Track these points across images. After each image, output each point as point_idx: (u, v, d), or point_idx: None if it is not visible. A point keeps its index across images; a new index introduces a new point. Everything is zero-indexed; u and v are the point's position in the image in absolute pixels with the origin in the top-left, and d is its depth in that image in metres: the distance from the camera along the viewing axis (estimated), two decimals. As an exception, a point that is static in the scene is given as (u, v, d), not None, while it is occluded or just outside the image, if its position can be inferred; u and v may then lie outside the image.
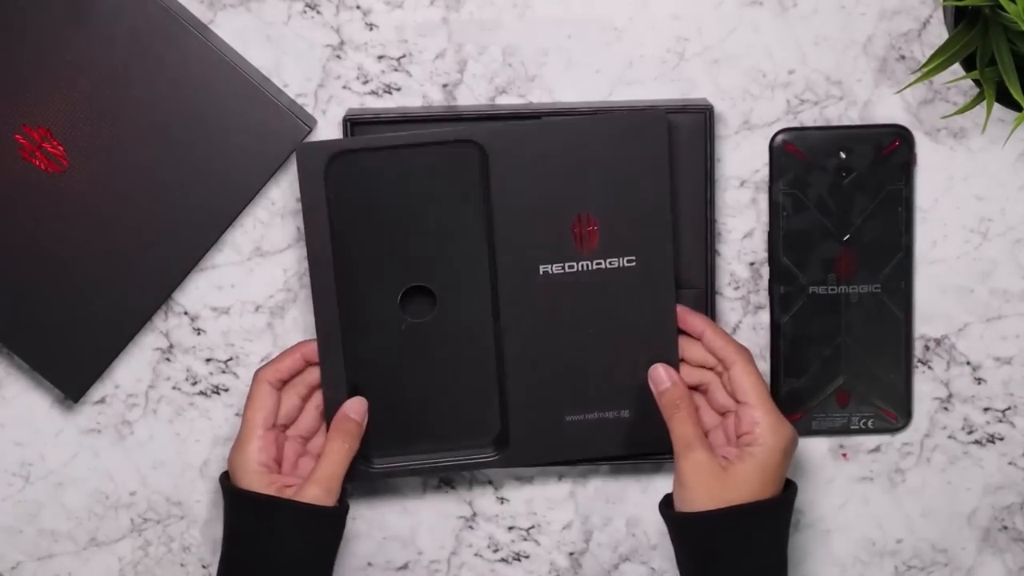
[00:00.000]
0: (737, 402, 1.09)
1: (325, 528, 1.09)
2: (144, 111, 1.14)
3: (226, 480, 1.11)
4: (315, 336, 1.11)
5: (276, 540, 1.08)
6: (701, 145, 1.14)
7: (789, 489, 1.10)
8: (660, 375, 1.11)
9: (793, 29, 1.16)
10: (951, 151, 1.17)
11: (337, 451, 1.10)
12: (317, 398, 1.13)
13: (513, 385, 1.13)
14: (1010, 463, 1.21)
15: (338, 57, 1.16)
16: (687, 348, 1.12)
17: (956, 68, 1.11)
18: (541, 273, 1.11)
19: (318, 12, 1.16)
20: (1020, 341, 1.19)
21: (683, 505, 1.08)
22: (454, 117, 1.14)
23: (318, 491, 1.08)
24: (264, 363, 1.14)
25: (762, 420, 1.08)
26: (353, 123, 1.13)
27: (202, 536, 1.22)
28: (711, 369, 1.12)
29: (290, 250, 1.18)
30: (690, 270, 1.15)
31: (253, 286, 1.19)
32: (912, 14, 1.16)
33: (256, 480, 1.09)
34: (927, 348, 1.19)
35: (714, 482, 1.06)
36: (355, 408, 1.11)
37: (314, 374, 1.12)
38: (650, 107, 1.11)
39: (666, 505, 1.10)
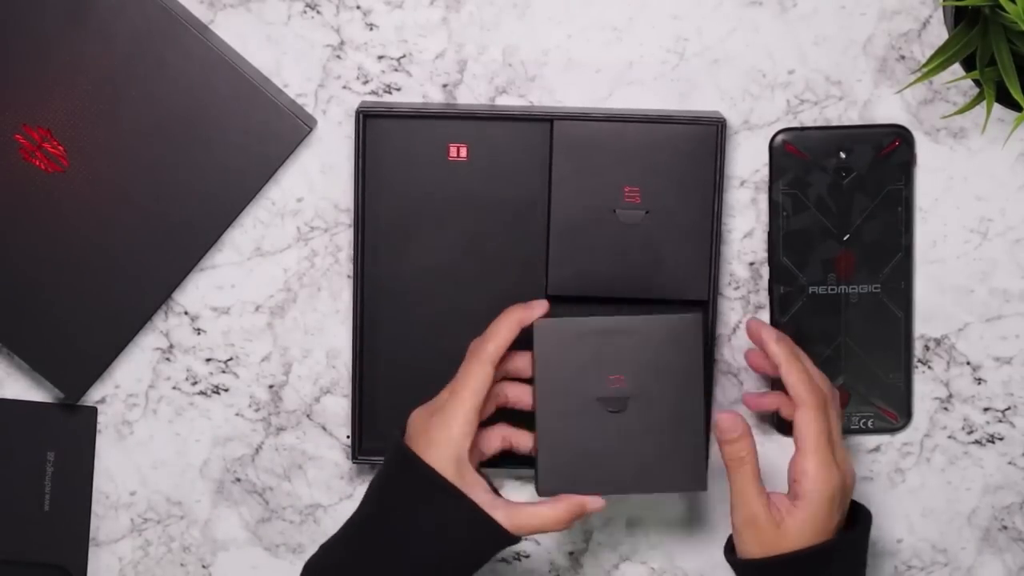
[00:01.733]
0: (795, 445, 1.09)
1: (488, 546, 1.07)
2: (144, 111, 1.14)
3: (408, 448, 1.07)
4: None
5: (440, 531, 1.05)
6: (709, 152, 1.14)
7: (853, 528, 1.10)
8: (728, 424, 1.08)
9: (793, 29, 1.16)
10: (951, 151, 1.17)
11: (554, 520, 1.08)
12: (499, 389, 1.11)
13: None
14: (1010, 463, 1.21)
15: (338, 57, 1.16)
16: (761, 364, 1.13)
17: (956, 68, 1.10)
18: None
19: (318, 12, 1.16)
20: (1020, 341, 1.19)
21: (740, 553, 1.09)
22: (466, 115, 1.14)
23: (511, 519, 1.06)
24: (482, 339, 1.09)
25: (809, 471, 1.07)
26: (366, 116, 1.14)
27: (202, 536, 1.22)
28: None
29: (290, 250, 1.18)
30: (693, 278, 1.15)
31: (253, 286, 1.19)
32: (912, 14, 1.16)
33: (450, 466, 1.05)
34: (927, 348, 1.19)
35: (767, 536, 1.07)
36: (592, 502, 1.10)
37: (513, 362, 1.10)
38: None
39: (730, 550, 1.11)
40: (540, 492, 1.10)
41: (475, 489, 1.06)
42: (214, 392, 1.20)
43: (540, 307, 1.10)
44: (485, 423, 1.10)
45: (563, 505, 1.08)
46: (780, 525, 1.07)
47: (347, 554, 1.08)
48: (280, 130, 1.14)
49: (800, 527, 1.07)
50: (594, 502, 1.08)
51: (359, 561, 1.07)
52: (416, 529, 1.05)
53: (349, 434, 1.19)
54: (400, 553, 1.06)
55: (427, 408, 1.09)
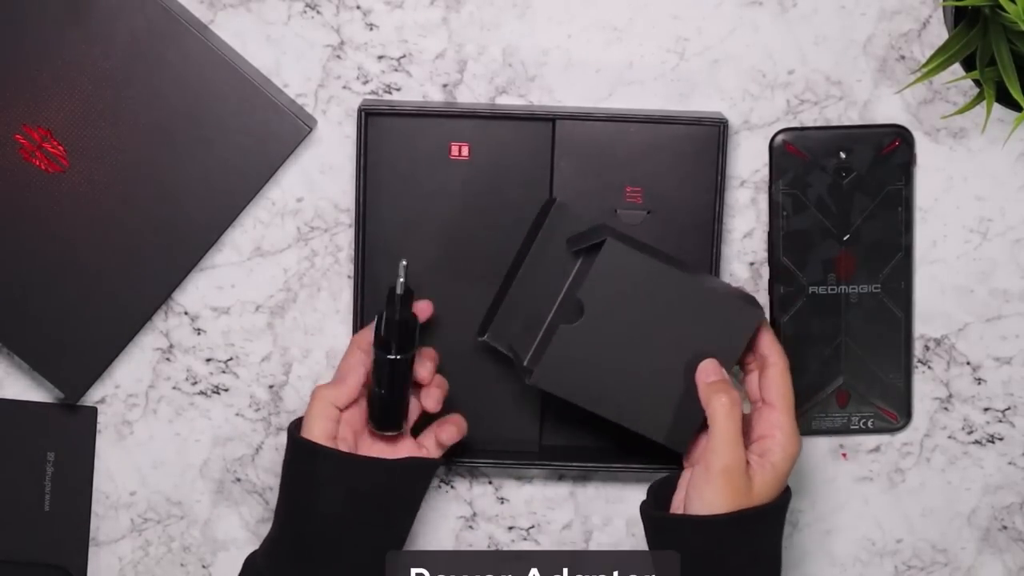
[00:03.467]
0: (763, 402, 1.08)
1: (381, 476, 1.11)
2: (144, 111, 1.14)
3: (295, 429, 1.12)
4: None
5: (316, 484, 1.09)
6: (711, 152, 1.14)
7: (787, 492, 1.10)
8: (713, 366, 1.08)
9: (793, 29, 1.16)
10: (951, 151, 1.17)
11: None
12: None
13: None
14: (1010, 463, 1.21)
15: (338, 57, 1.16)
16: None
17: (956, 68, 1.11)
18: None
19: (318, 12, 1.16)
20: (1020, 341, 1.20)
21: (697, 507, 1.06)
22: (468, 114, 1.14)
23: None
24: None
25: (784, 426, 1.07)
26: (368, 114, 1.14)
27: (202, 536, 1.22)
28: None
29: (290, 250, 1.18)
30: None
31: (253, 286, 1.19)
32: (912, 14, 1.16)
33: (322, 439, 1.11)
34: (927, 348, 1.19)
35: (739, 489, 1.05)
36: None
37: None
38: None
39: (655, 506, 1.09)
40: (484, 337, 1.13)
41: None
42: (214, 392, 1.20)
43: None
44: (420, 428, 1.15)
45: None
46: (752, 479, 1.06)
47: (275, 522, 1.12)
48: (280, 130, 1.14)
49: (768, 484, 1.06)
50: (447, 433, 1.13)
51: (280, 530, 1.11)
52: (306, 490, 1.10)
53: (349, 434, 1.19)
54: (310, 511, 1.10)
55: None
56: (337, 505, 1.09)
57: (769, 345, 1.09)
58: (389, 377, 1.09)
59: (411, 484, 1.12)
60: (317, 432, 1.10)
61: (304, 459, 1.10)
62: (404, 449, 1.13)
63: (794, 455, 1.07)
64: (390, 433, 1.11)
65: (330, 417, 1.10)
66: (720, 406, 1.06)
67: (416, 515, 1.12)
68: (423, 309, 1.12)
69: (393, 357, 1.09)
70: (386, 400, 1.10)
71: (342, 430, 1.11)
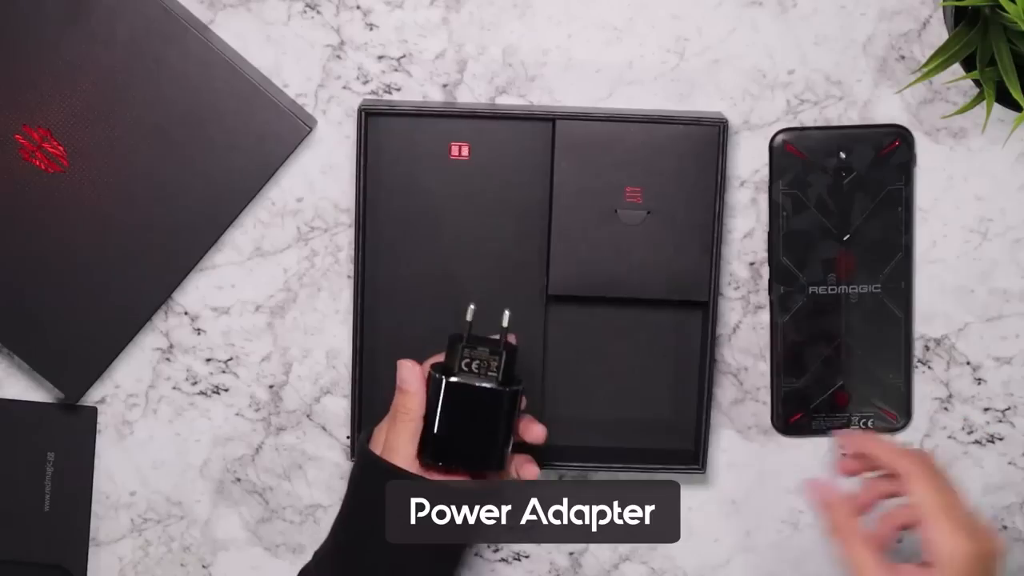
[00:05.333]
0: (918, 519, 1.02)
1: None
2: (144, 111, 1.14)
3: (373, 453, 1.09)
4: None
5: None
6: (711, 152, 1.14)
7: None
8: (815, 488, 1.05)
9: (793, 29, 1.16)
10: (951, 151, 1.17)
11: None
12: None
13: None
14: (1010, 463, 1.21)
15: (338, 57, 1.16)
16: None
17: (956, 68, 1.11)
18: None
19: (318, 12, 1.16)
20: (1020, 341, 1.20)
21: None
22: (468, 114, 1.14)
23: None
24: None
25: (935, 539, 1.00)
26: (368, 113, 1.14)
27: (202, 536, 1.22)
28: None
29: (290, 250, 1.18)
30: (694, 278, 1.15)
31: (253, 286, 1.19)
32: (912, 14, 1.16)
33: (405, 465, 1.07)
34: (927, 348, 1.19)
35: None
36: None
37: None
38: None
39: None
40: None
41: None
42: (214, 392, 1.20)
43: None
44: None
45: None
46: None
47: (334, 546, 1.10)
48: (280, 130, 1.14)
49: None
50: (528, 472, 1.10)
51: (347, 551, 1.08)
52: (372, 503, 1.07)
53: (349, 434, 1.19)
54: (378, 536, 1.07)
55: (384, 423, 1.10)
56: None
57: (891, 460, 1.03)
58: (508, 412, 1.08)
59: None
60: (403, 456, 1.07)
61: (377, 479, 1.07)
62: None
63: (961, 555, 0.99)
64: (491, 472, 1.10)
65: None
66: (833, 532, 1.03)
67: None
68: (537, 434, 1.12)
69: (513, 389, 1.08)
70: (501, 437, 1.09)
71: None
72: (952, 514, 1.00)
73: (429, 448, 1.07)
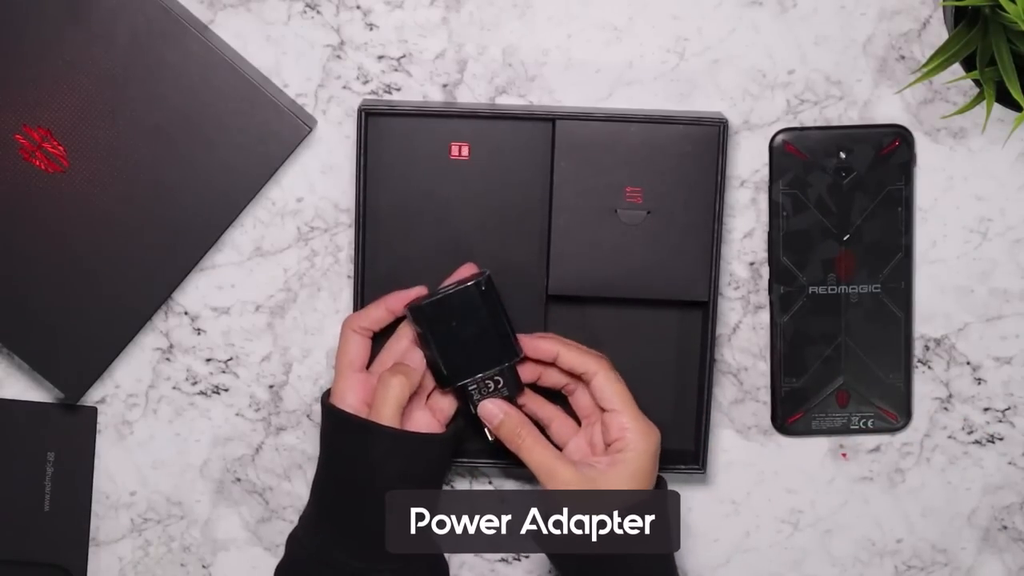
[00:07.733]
0: (603, 410, 1.10)
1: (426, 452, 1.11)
2: (144, 111, 1.14)
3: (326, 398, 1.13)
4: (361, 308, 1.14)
5: (372, 462, 1.09)
6: (711, 152, 1.14)
7: (661, 485, 1.12)
8: (490, 411, 1.12)
9: (793, 29, 1.16)
10: (951, 151, 1.17)
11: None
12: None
13: None
14: (1010, 463, 1.21)
15: (338, 57, 1.16)
16: (545, 373, 1.13)
17: (956, 68, 1.11)
18: None
19: (318, 12, 1.16)
20: (1020, 341, 1.20)
21: None
22: (468, 114, 1.14)
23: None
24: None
25: (631, 425, 1.09)
26: (368, 113, 1.14)
27: (202, 536, 1.22)
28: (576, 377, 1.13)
29: (290, 250, 1.18)
30: (694, 278, 1.15)
31: (253, 286, 1.19)
32: (912, 14, 1.16)
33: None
34: (927, 348, 1.19)
35: (587, 495, 1.08)
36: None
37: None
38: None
39: None
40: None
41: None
42: (214, 392, 1.20)
43: (417, 291, 1.13)
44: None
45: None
46: (598, 480, 1.08)
47: (318, 508, 1.12)
48: (280, 130, 1.14)
49: (621, 483, 1.08)
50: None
51: (331, 509, 1.11)
52: (353, 460, 1.10)
53: (349, 434, 1.19)
54: (359, 491, 1.10)
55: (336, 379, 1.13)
56: (393, 481, 1.09)
57: (579, 362, 1.11)
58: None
59: (449, 455, 1.14)
60: (388, 415, 1.09)
61: (356, 437, 1.09)
62: (423, 420, 1.13)
63: (651, 450, 1.09)
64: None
65: (402, 403, 1.10)
66: (514, 444, 1.11)
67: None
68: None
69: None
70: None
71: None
72: (636, 407, 1.10)
73: (442, 372, 1.11)
